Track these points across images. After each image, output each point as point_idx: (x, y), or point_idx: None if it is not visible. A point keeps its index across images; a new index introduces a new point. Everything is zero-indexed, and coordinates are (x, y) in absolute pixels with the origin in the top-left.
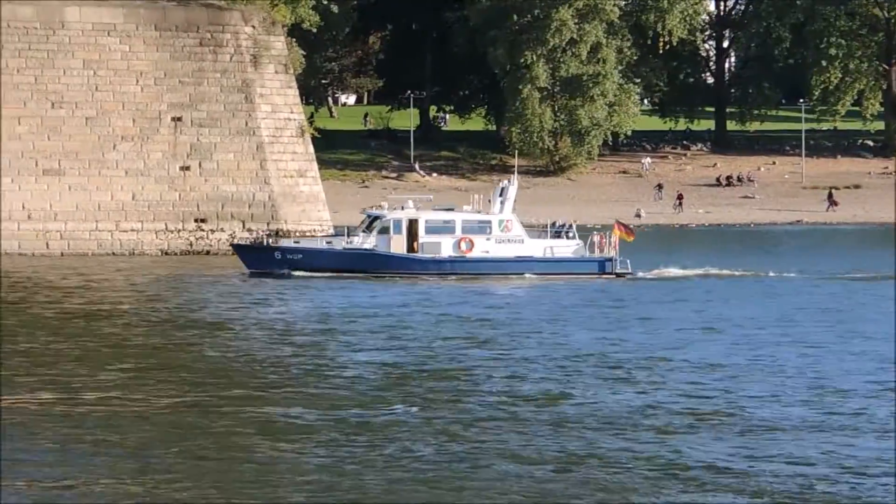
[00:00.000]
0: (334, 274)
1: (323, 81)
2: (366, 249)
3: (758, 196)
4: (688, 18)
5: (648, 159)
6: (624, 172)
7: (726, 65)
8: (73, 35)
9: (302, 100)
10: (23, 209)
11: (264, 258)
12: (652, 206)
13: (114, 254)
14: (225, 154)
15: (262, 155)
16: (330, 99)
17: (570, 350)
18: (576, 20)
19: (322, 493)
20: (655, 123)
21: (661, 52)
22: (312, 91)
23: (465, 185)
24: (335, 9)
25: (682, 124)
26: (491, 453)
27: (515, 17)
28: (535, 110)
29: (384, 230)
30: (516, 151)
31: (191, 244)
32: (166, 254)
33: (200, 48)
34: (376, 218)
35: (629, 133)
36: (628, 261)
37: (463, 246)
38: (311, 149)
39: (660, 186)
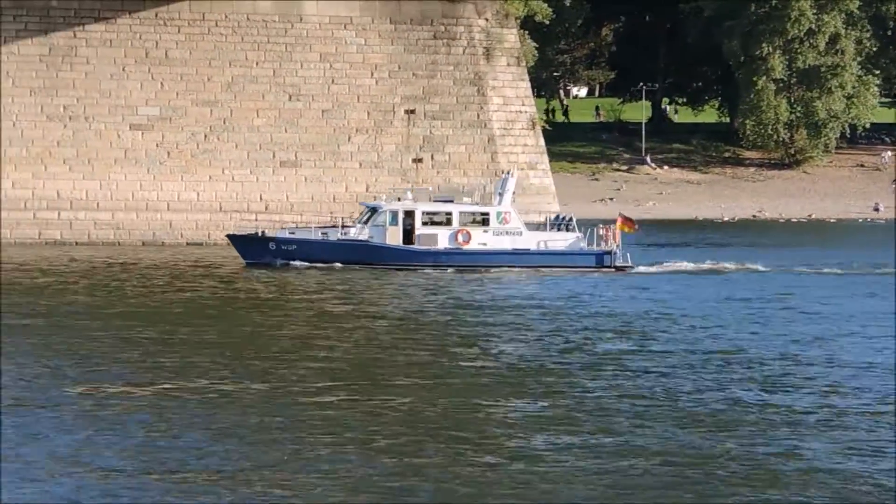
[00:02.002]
0: (327, 265)
1: (555, 74)
2: (360, 241)
3: None
4: None
5: (889, 153)
6: (861, 166)
7: None
8: (310, 28)
9: (533, 92)
10: (260, 200)
11: (259, 249)
12: (891, 200)
13: None
14: (456, 146)
15: (494, 147)
16: (561, 91)
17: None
18: (814, 10)
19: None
20: (893, 116)
21: None
22: (544, 83)
23: (697, 177)
24: (568, 1)
25: None
26: None
27: (752, 7)
28: (770, 102)
29: (381, 221)
30: (750, 144)
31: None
32: None
33: (434, 41)
34: (374, 209)
35: (867, 126)
36: (629, 254)
37: (460, 238)
38: (542, 141)
39: None
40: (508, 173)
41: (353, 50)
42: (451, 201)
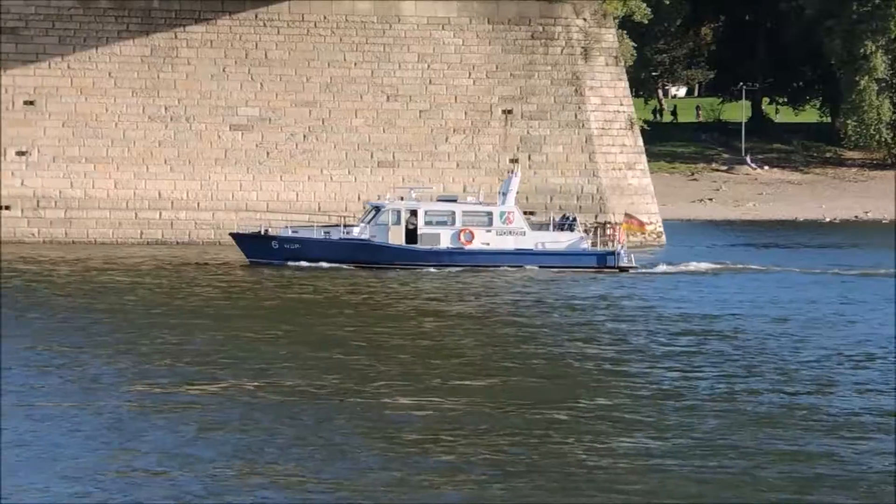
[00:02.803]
0: (330, 264)
1: (653, 73)
2: (362, 240)
3: None
4: None
5: None
6: None
7: None
8: (408, 29)
9: (632, 92)
10: (358, 200)
11: (262, 248)
12: None
13: None
14: (554, 146)
15: (591, 147)
16: (660, 91)
17: None
18: None
19: None
20: None
21: None
22: (642, 83)
23: (798, 178)
24: (667, 0)
25: None
26: None
27: (854, 5)
28: (872, 102)
29: (383, 221)
30: (852, 144)
31: None
32: None
33: (532, 41)
34: (378, 208)
35: None
36: (632, 255)
37: (463, 238)
38: (640, 141)
39: None
40: (512, 172)
41: (450, 50)
42: (455, 201)
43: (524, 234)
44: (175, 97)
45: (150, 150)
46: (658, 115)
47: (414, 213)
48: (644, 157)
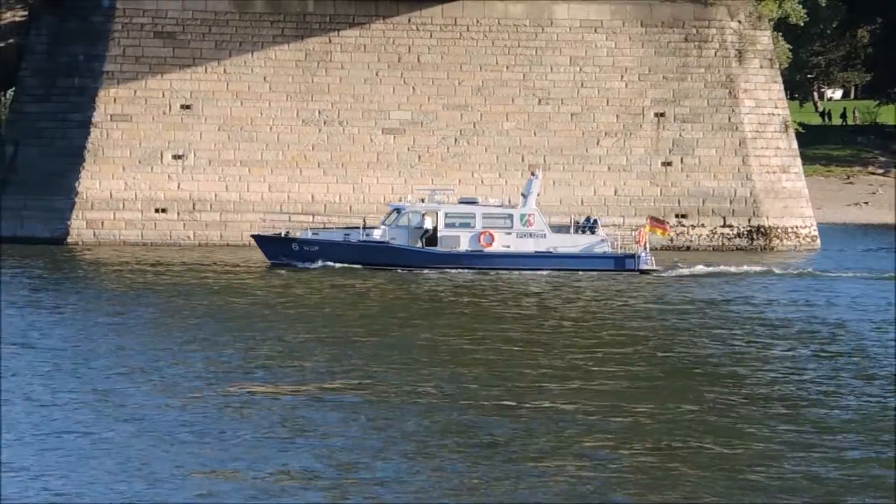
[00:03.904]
0: (348, 266)
1: (808, 76)
2: (380, 242)
3: None
4: None
5: None
6: None
7: None
8: (560, 32)
9: (786, 94)
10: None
11: (283, 249)
12: None
13: None
14: (707, 149)
15: (745, 150)
16: (815, 94)
17: None
18: None
19: None
20: None
21: None
22: (797, 86)
23: None
24: (823, 2)
25: None
26: None
27: None
28: None
29: (403, 223)
30: None
31: (671, 239)
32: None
33: (685, 44)
34: (398, 210)
35: None
36: (652, 258)
37: (483, 240)
38: (795, 144)
39: None
40: (534, 174)
41: (602, 53)
42: (476, 203)
43: (545, 236)
44: (328, 101)
45: (303, 154)
46: (827, 118)
47: (433, 214)
48: (798, 161)
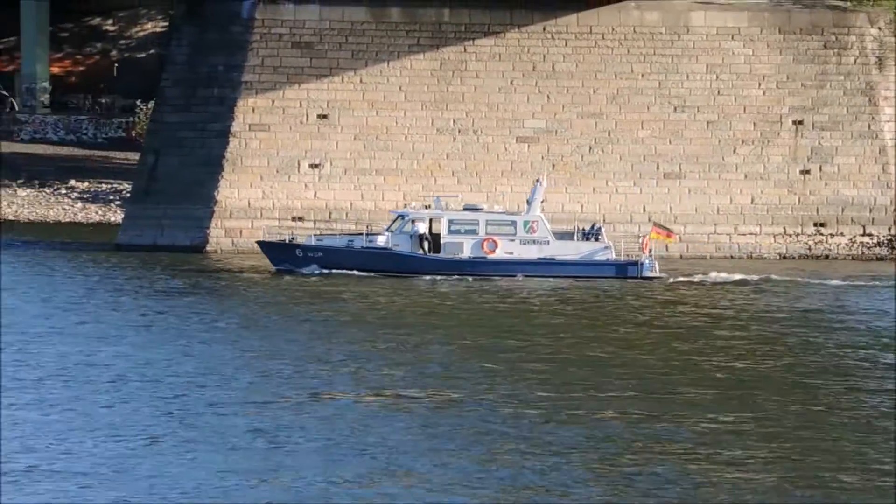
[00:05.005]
0: (350, 272)
1: None
2: (382, 248)
3: None
4: None
5: None
6: None
7: None
8: (696, 40)
9: None
10: (643, 211)
11: (287, 256)
12: None
13: (731, 257)
14: (846, 157)
15: (885, 158)
16: None
17: None
18: None
19: None
20: None
21: None
22: None
23: None
24: None
25: None
26: None
27: None
28: None
29: (406, 229)
30: None
31: (809, 248)
32: (784, 258)
33: (824, 51)
34: (402, 216)
35: None
36: (656, 264)
37: (486, 247)
38: None
39: None
40: (538, 181)
41: (740, 60)
42: (481, 210)
43: (548, 243)
44: (463, 110)
45: (437, 163)
46: None
47: (436, 221)
48: None
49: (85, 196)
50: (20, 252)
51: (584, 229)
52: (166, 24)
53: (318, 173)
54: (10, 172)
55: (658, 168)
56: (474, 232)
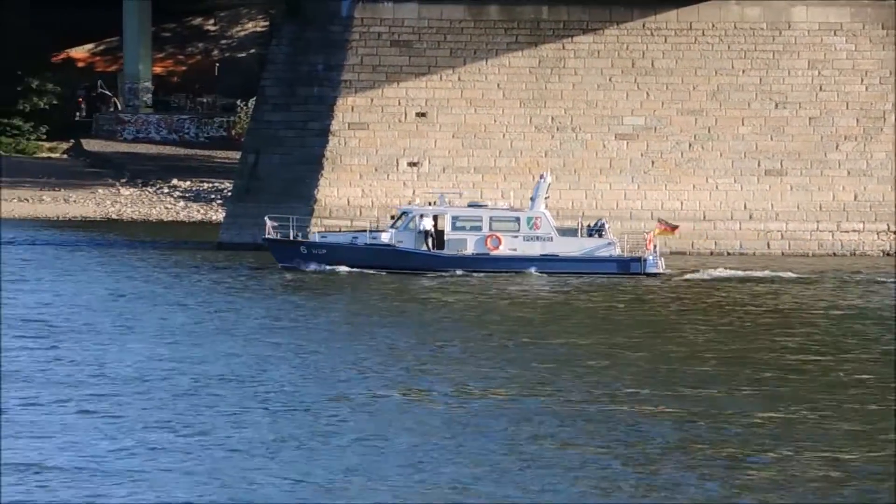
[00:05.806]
0: (354, 269)
1: None
2: (386, 245)
3: None
4: None
5: None
6: None
7: None
8: (798, 35)
9: None
10: (744, 209)
11: (291, 252)
12: None
13: (834, 254)
14: None
15: None
16: None
17: None
18: None
19: None
20: None
21: None
22: None
23: None
24: None
25: None
26: None
27: None
28: None
29: (410, 226)
30: None
31: None
32: (888, 255)
33: None
34: (405, 213)
35: None
36: (660, 261)
37: (490, 243)
38: None
39: None
40: (542, 177)
41: (842, 56)
42: (485, 206)
43: (552, 239)
44: (561, 107)
45: (536, 161)
46: None
47: (439, 218)
48: None
49: (187, 195)
50: (127, 251)
51: (588, 225)
52: (266, 23)
53: (416, 171)
54: (113, 171)
55: (759, 165)
56: (478, 228)
